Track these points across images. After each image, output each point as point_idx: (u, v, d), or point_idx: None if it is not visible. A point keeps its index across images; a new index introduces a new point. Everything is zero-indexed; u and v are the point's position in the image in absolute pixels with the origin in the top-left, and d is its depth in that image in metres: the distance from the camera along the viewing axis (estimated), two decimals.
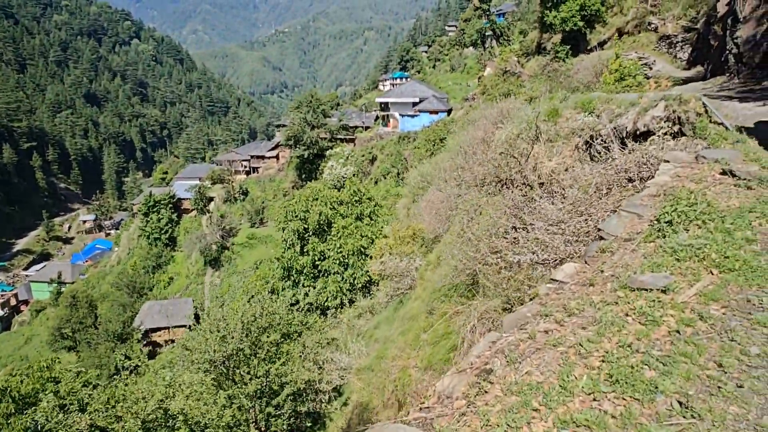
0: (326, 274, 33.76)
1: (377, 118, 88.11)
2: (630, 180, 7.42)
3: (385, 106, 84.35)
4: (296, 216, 34.44)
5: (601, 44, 40.62)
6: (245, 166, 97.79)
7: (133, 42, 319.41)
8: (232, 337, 18.42)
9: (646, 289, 4.05)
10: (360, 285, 32.07)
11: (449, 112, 72.44)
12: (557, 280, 4.88)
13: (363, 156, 74.57)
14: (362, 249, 31.99)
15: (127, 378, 15.57)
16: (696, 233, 4.73)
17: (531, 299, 4.87)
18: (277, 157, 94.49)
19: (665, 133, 8.49)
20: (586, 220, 6.86)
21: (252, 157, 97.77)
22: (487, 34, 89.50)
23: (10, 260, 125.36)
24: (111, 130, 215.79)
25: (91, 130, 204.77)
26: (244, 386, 18.10)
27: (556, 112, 11.33)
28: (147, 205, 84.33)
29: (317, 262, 33.96)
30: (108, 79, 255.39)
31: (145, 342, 65.25)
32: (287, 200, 52.73)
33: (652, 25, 35.72)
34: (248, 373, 18.55)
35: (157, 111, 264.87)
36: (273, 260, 35.46)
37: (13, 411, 26.86)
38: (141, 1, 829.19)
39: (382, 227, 33.73)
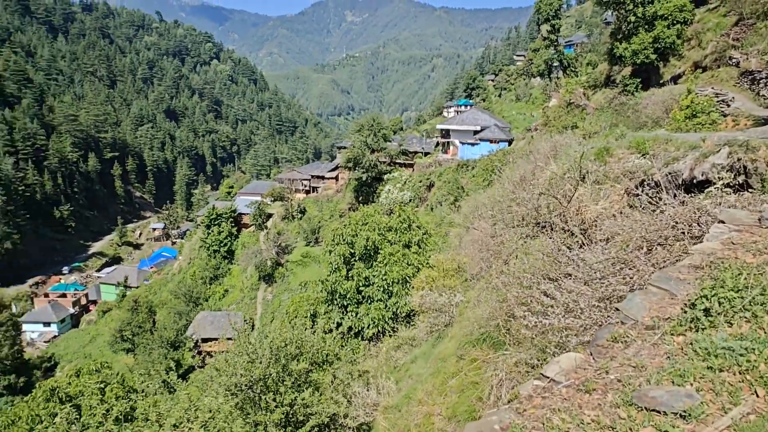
0: (369, 301, 33.15)
1: (437, 144, 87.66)
2: (679, 239, 6.25)
3: (446, 133, 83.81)
4: (344, 240, 34.20)
5: (675, 78, 38.30)
6: (305, 185, 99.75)
7: (213, 62, 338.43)
8: (260, 362, 18.09)
9: (659, 411, 2.97)
10: (403, 314, 31.20)
11: (510, 142, 70.84)
12: (548, 377, 3.85)
13: (420, 182, 74.13)
14: (407, 278, 31.22)
15: (149, 396, 15.44)
16: (741, 330, 3.55)
17: (509, 401, 3.93)
18: (336, 178, 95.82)
19: (726, 185, 7.22)
20: (620, 282, 5.81)
21: (312, 176, 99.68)
22: (554, 64, 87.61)
23: (85, 261, 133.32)
24: (185, 144, 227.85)
25: (167, 143, 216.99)
26: (269, 413, 17.61)
27: (607, 151, 10.23)
28: (209, 218, 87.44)
29: (361, 288, 33.43)
30: (187, 96, 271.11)
31: (196, 351, 66.88)
32: (341, 222, 52.90)
33: (734, 60, 33.22)
34: (274, 400, 18.06)
35: (229, 128, 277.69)
36: (318, 282, 35.30)
37: (59, 411, 27.60)
38: (224, 24, 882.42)
39: (429, 256, 32.86)
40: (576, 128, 25.69)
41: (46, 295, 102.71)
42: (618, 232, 6.90)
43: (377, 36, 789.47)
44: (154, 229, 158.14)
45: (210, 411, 14.91)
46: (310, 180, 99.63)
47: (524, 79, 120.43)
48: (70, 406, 19.59)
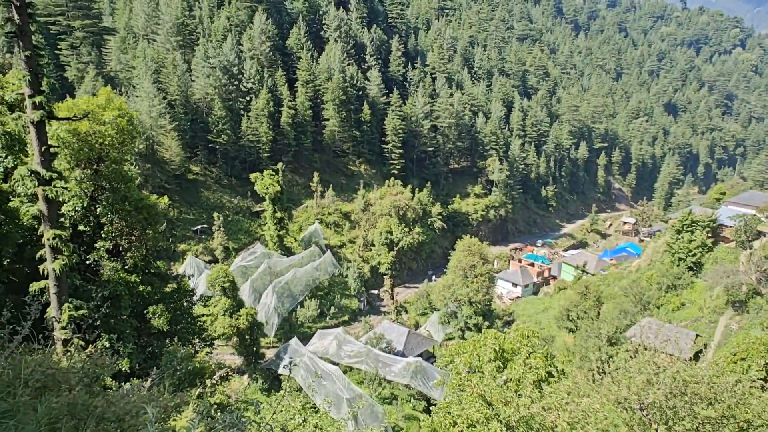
0: None
1: None
2: None
3: None
4: None
5: None
6: None
7: (735, 51, 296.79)
8: (658, 388, 16.92)
9: None
10: None
11: None
12: None
13: None
14: None
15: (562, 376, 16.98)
16: None
17: None
18: None
19: None
20: None
21: None
22: None
23: (555, 239, 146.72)
24: (679, 141, 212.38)
25: (659, 138, 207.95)
26: None
27: None
28: (682, 223, 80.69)
29: None
30: (694, 89, 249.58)
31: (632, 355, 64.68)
32: None
33: None
34: None
35: (738, 126, 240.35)
36: None
37: (493, 358, 33.05)
38: (763, 5, 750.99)
39: None
40: None
41: (520, 261, 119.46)
42: None
43: None
44: (625, 223, 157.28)
45: (584, 412, 15.20)
46: None
47: None
48: (501, 359, 23.63)
